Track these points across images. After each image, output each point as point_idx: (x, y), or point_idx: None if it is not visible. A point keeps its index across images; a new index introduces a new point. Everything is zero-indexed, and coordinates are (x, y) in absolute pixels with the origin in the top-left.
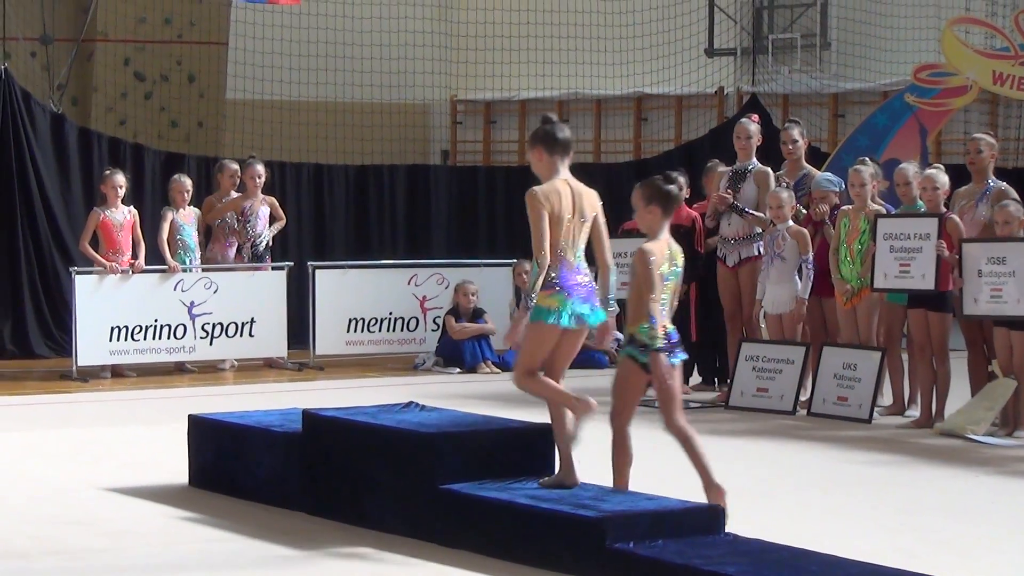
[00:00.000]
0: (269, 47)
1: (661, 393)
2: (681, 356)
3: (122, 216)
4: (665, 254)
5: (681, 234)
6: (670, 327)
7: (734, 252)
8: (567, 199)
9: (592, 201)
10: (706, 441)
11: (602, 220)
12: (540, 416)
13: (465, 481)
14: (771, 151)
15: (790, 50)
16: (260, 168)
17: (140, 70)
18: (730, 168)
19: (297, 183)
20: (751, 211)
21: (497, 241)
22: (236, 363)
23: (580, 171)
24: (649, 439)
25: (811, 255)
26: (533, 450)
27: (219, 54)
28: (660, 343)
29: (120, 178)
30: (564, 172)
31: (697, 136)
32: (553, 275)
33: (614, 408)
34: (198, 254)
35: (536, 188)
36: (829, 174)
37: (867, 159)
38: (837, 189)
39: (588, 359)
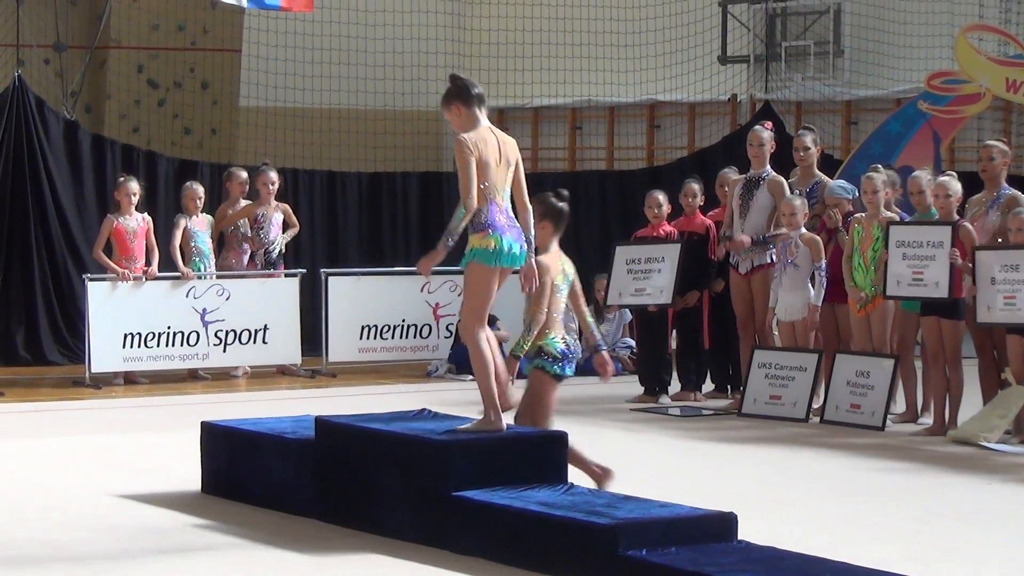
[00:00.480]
0: (282, 54)
1: (532, 403)
2: (569, 371)
3: (135, 223)
4: (558, 267)
5: (695, 241)
6: (569, 338)
7: (747, 259)
8: (493, 146)
9: (514, 148)
10: (719, 448)
11: (521, 166)
12: (553, 423)
13: (477, 488)
14: (784, 158)
15: (803, 57)
16: (273, 175)
17: (153, 77)
18: (744, 176)
19: (310, 190)
20: (771, 234)
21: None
22: (249, 370)
23: (593, 178)
24: (661, 446)
25: (824, 262)
26: (546, 457)
27: (232, 61)
28: (546, 353)
29: (134, 185)
30: (485, 121)
31: (710, 143)
32: (484, 218)
33: (530, 423)
34: (211, 261)
35: (464, 135)
36: (843, 182)
37: (879, 166)
38: (850, 197)
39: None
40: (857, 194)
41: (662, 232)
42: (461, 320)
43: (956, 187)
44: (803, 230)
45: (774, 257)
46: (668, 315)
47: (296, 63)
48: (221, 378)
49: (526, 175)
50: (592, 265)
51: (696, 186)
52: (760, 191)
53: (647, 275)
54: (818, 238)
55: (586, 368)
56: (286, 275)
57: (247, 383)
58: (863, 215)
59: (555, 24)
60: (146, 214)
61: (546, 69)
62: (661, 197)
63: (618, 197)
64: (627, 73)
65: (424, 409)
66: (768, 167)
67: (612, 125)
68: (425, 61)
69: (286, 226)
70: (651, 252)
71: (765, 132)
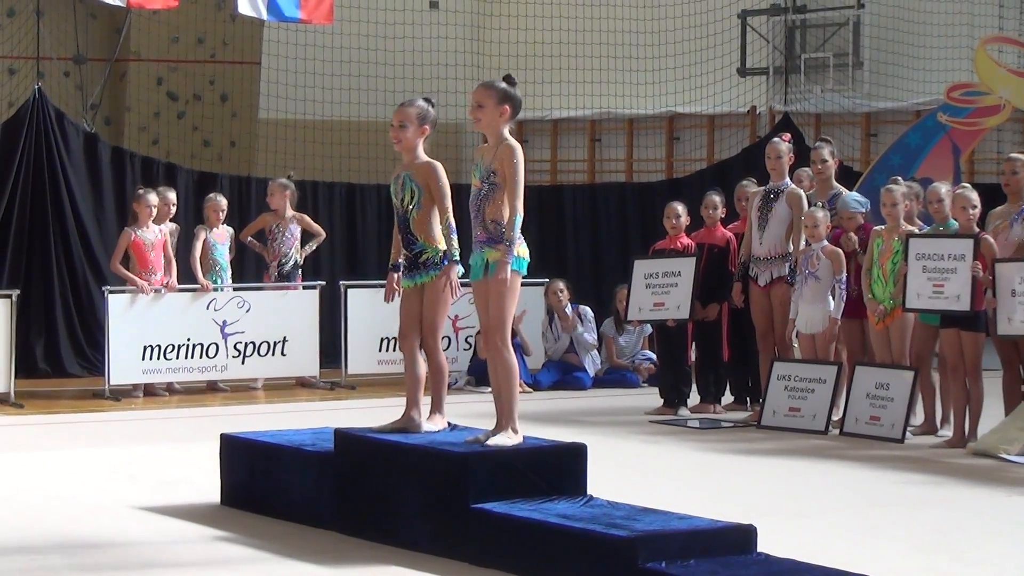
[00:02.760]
0: (302, 66)
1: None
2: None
3: (153, 235)
4: None
5: (715, 254)
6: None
7: (765, 271)
8: None
9: None
10: (738, 461)
11: None
12: (573, 435)
13: (497, 500)
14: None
15: (822, 69)
16: (283, 182)
17: (173, 90)
18: (762, 188)
19: (329, 202)
20: (792, 256)
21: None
22: (262, 381)
23: (613, 190)
24: (680, 458)
25: (844, 275)
26: (565, 469)
27: (252, 74)
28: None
29: (153, 198)
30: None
31: (730, 155)
32: (518, 228)
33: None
34: (229, 274)
35: (515, 143)
36: (856, 195)
37: (899, 178)
38: (863, 210)
39: (620, 379)
40: (868, 207)
41: (680, 244)
42: (491, 330)
43: (976, 199)
44: (825, 242)
45: (792, 269)
46: (687, 327)
47: (315, 75)
48: (240, 390)
49: (547, 186)
50: (612, 275)
51: (717, 198)
52: (779, 203)
53: (665, 290)
54: (839, 250)
55: (605, 380)
56: (305, 287)
57: (266, 395)
58: (882, 227)
59: (574, 36)
60: (168, 224)
61: (565, 81)
62: (680, 208)
63: (637, 209)
64: (646, 85)
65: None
66: (787, 179)
67: (631, 137)
68: (444, 73)
69: (307, 236)
70: (668, 266)
71: (783, 144)
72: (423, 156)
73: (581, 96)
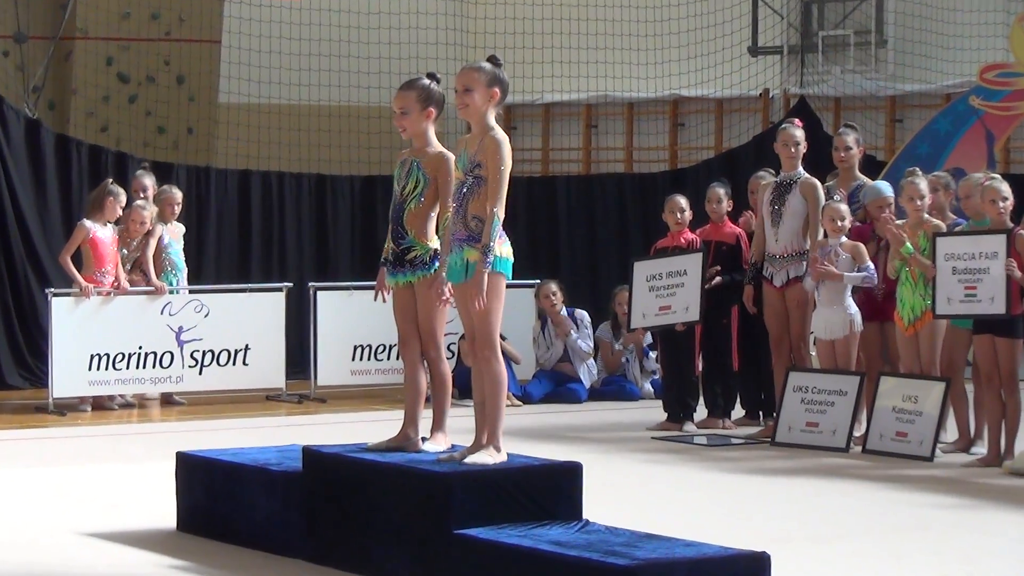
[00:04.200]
0: (267, 45)
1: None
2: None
3: (111, 232)
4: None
5: (723, 252)
6: None
7: (781, 271)
8: None
9: None
10: (750, 481)
11: None
12: (567, 453)
13: (482, 525)
14: (821, 159)
15: (842, 48)
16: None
17: (124, 71)
18: (774, 180)
19: (297, 195)
20: (807, 252)
21: (517, 259)
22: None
23: (611, 182)
24: (686, 479)
25: (871, 264)
26: (558, 491)
27: (211, 53)
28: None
29: (124, 198)
30: None
31: (740, 143)
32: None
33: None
34: (185, 275)
35: (502, 134)
36: (883, 182)
37: (917, 170)
38: (892, 197)
39: (619, 390)
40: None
41: (683, 241)
42: (478, 341)
43: (1007, 190)
44: (844, 238)
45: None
46: (695, 333)
47: (282, 55)
48: (198, 404)
49: (536, 178)
50: (610, 276)
51: (722, 190)
52: (792, 195)
53: (671, 291)
54: (860, 244)
55: (602, 392)
56: (271, 290)
57: (227, 410)
58: (904, 222)
59: (567, 11)
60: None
61: (558, 61)
62: (683, 202)
63: (638, 202)
64: (648, 66)
65: (423, 437)
66: (801, 169)
67: (631, 123)
68: (425, 53)
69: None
70: (672, 266)
71: (798, 131)
72: (436, 144)
73: (575, 78)
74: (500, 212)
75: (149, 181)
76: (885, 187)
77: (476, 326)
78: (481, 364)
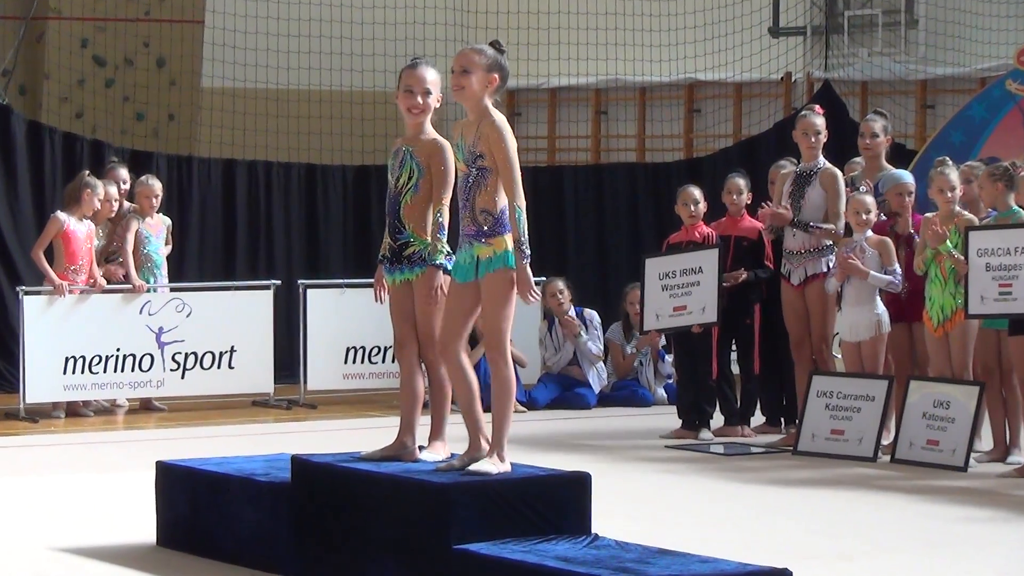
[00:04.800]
0: (253, 26)
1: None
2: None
3: (87, 227)
4: None
5: (743, 248)
6: None
7: (799, 268)
8: None
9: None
10: (771, 493)
11: None
12: (575, 463)
13: (484, 540)
14: (846, 148)
15: (870, 29)
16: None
17: (100, 53)
18: (793, 170)
19: (286, 186)
20: (818, 224)
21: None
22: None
23: (621, 172)
24: (702, 490)
25: (898, 267)
26: (565, 503)
27: (194, 34)
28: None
29: (102, 191)
30: None
31: (760, 131)
32: (504, 217)
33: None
34: (165, 271)
35: (501, 119)
36: (904, 171)
37: (947, 159)
38: (914, 185)
39: (630, 395)
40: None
41: (698, 235)
42: (487, 343)
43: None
44: (870, 232)
45: (831, 265)
46: (712, 334)
47: (270, 36)
48: (180, 409)
49: (542, 168)
50: (621, 273)
51: (741, 181)
52: (812, 187)
53: (686, 290)
54: (888, 240)
55: (613, 397)
56: (258, 288)
57: (211, 415)
58: (934, 215)
59: None
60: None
61: (565, 43)
62: (697, 193)
63: (650, 194)
64: (661, 47)
65: (420, 446)
66: (822, 159)
67: (643, 109)
68: (422, 33)
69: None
70: (686, 262)
71: (818, 118)
72: (430, 131)
73: (584, 61)
74: (522, 202)
75: (124, 172)
76: (905, 175)
77: (487, 327)
78: (491, 369)
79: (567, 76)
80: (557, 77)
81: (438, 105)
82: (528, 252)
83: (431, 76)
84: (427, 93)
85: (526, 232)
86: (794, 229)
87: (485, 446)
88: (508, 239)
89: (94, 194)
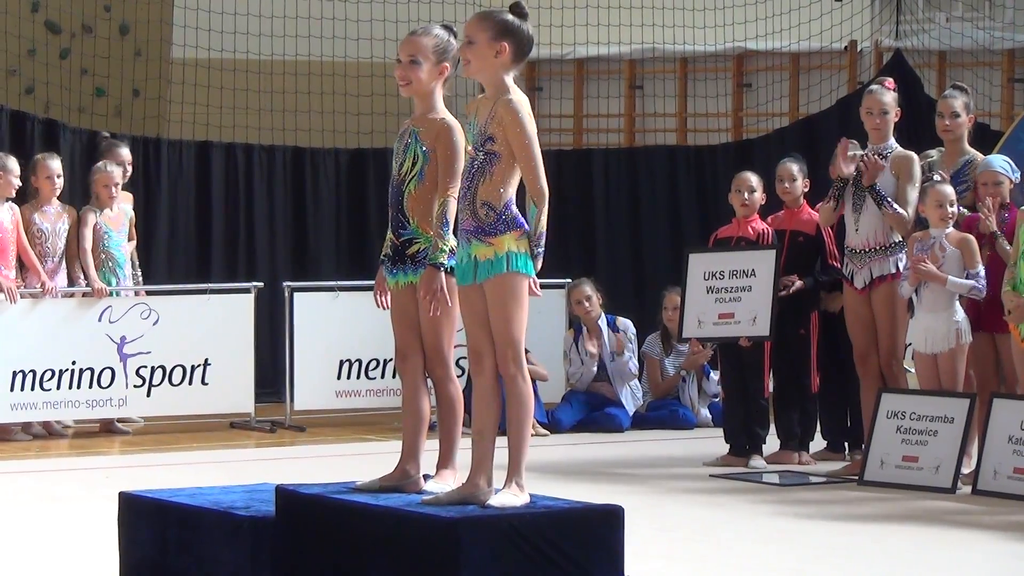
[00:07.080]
0: None
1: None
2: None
3: (10, 213)
4: None
5: (799, 244)
6: None
7: (864, 268)
8: None
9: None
10: (833, 529)
11: None
12: (606, 494)
13: None
14: (921, 129)
15: None
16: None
17: (53, 19)
18: (859, 153)
19: (269, 173)
20: (894, 204)
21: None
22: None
23: (659, 155)
24: (752, 525)
25: (981, 269)
26: (593, 541)
27: None
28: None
29: (18, 168)
30: None
31: (820, 108)
32: (513, 211)
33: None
34: (129, 270)
35: (519, 97)
36: (1003, 157)
37: None
38: (1015, 178)
39: (672, 417)
40: (1020, 176)
41: (752, 231)
42: (499, 354)
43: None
44: (951, 228)
45: (902, 265)
46: (764, 349)
47: (249, 0)
48: (146, 432)
49: (567, 151)
50: (659, 275)
51: (796, 166)
52: (882, 173)
53: (735, 295)
54: (971, 238)
55: (650, 419)
56: (237, 291)
57: (182, 438)
58: None
59: None
60: (12, 203)
61: (594, 6)
62: (753, 180)
63: (693, 182)
64: (706, 12)
65: (425, 475)
66: (892, 140)
67: (685, 83)
68: None
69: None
70: (737, 263)
71: (888, 94)
72: (440, 110)
73: (616, 27)
74: (544, 193)
75: (126, 152)
76: (1001, 161)
77: (497, 338)
78: (506, 383)
79: (596, 45)
80: (584, 46)
81: (441, 77)
82: (542, 248)
83: (424, 42)
84: (413, 63)
85: (544, 231)
86: (858, 222)
87: (483, 485)
88: (512, 239)
89: (9, 173)
